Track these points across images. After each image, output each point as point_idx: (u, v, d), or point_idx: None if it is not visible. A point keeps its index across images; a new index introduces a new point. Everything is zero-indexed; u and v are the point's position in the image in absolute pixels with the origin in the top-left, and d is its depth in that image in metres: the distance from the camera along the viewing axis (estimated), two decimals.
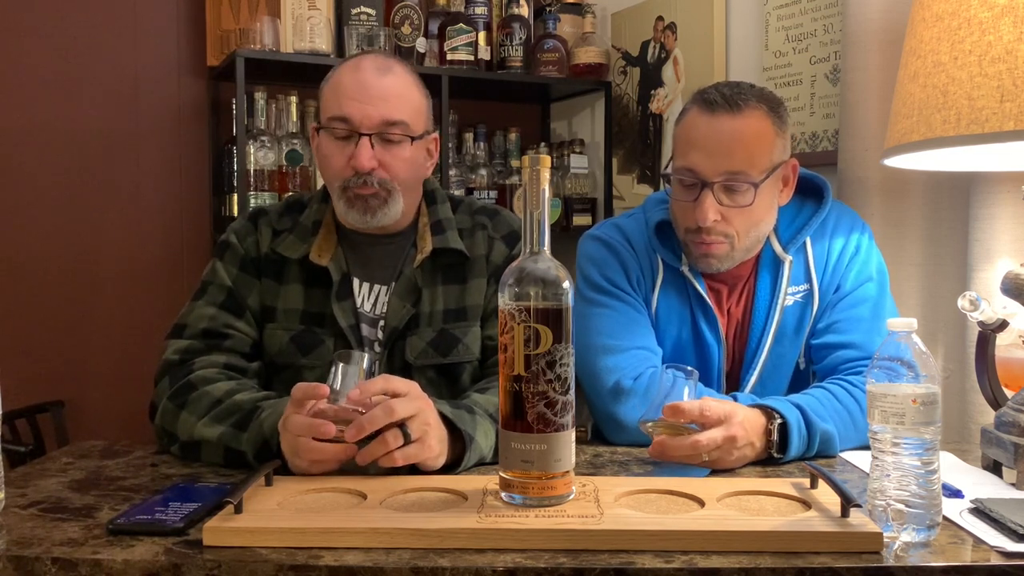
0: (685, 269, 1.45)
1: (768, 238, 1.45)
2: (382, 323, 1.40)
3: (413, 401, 1.08)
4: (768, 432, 1.22)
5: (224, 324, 1.37)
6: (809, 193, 1.50)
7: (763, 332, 1.44)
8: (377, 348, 1.39)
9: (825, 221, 1.47)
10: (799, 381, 1.47)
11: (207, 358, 1.33)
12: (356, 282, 1.41)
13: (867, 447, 0.97)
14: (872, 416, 0.92)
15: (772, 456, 1.22)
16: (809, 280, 1.44)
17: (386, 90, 1.34)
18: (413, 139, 1.36)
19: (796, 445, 1.22)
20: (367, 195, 1.34)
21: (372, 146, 1.32)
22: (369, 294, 1.41)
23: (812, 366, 1.47)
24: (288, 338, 1.38)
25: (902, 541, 0.89)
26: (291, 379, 1.36)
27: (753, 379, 1.45)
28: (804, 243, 1.45)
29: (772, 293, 1.45)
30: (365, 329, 1.40)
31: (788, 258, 1.44)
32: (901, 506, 0.89)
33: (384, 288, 1.41)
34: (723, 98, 1.35)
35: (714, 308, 1.45)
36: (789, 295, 1.44)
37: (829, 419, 1.27)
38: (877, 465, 0.92)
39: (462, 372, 1.40)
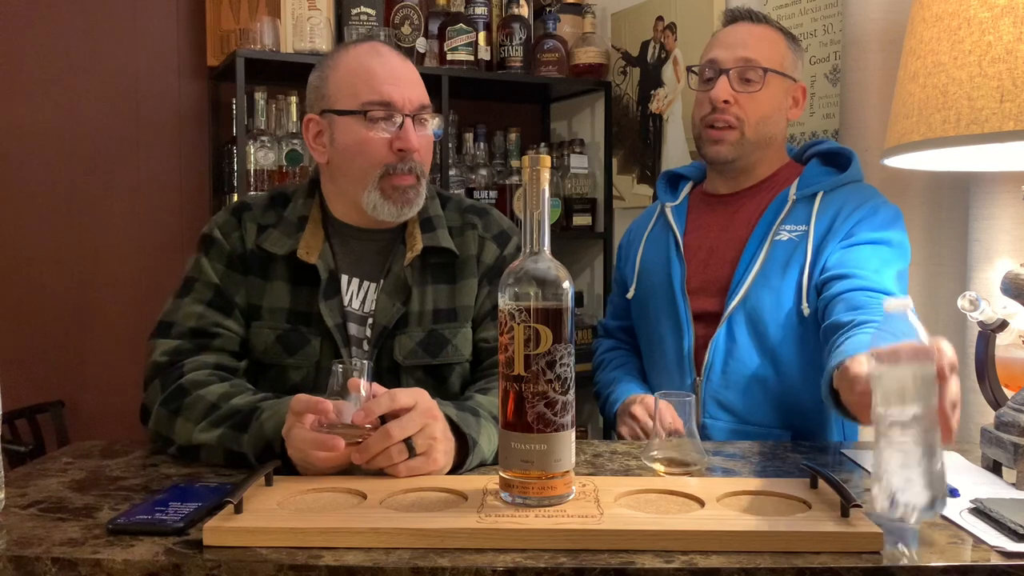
0: (669, 206, 1.66)
1: (790, 187, 1.54)
2: (370, 321, 1.38)
3: (417, 417, 1.06)
4: None
5: (213, 323, 1.33)
6: (840, 164, 1.57)
7: (751, 260, 1.50)
8: (366, 347, 1.37)
9: (849, 189, 1.51)
10: (804, 331, 1.45)
11: (197, 359, 1.30)
12: (344, 278, 1.39)
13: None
14: (873, 396, 0.89)
15: None
16: (808, 223, 1.48)
17: (413, 74, 1.37)
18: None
19: None
20: (406, 186, 1.34)
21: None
22: (358, 291, 1.39)
23: (820, 317, 1.42)
24: (274, 337, 1.35)
25: (906, 520, 0.86)
26: (276, 378, 1.35)
27: (735, 302, 1.48)
28: (815, 194, 1.51)
29: (767, 229, 1.51)
30: (353, 328, 1.37)
31: (793, 198, 1.52)
32: (904, 486, 0.86)
33: (373, 285, 1.39)
34: (746, 12, 1.60)
35: (675, 232, 1.61)
36: (784, 230, 1.49)
37: None
38: (880, 445, 0.88)
39: (451, 373, 1.39)
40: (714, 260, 1.56)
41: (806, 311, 1.44)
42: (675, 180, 1.73)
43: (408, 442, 1.05)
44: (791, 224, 1.49)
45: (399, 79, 1.34)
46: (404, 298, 1.37)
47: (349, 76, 1.35)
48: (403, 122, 1.32)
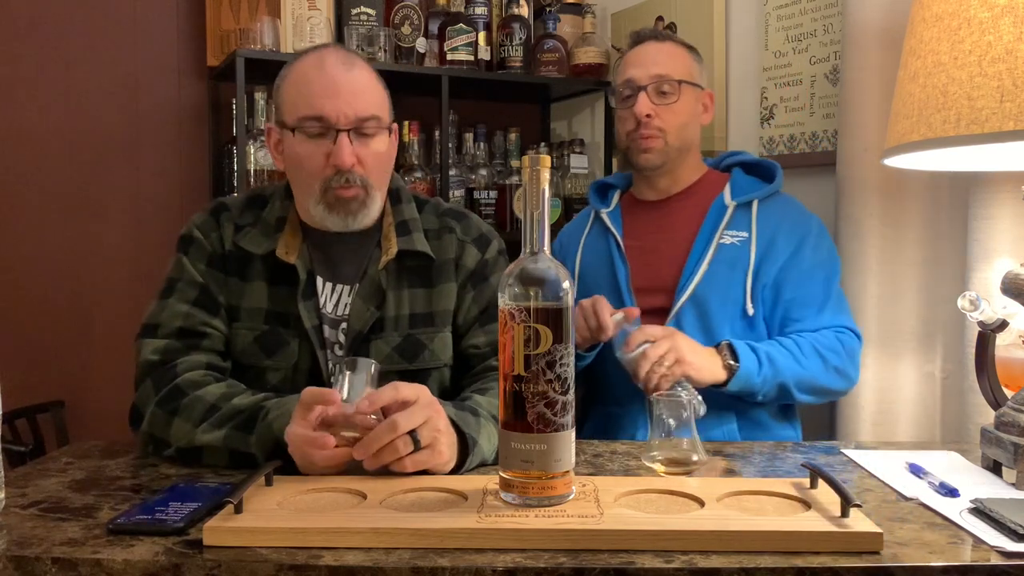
0: (604, 212, 1.76)
1: (723, 194, 1.67)
2: (344, 325, 1.36)
3: (421, 409, 1.06)
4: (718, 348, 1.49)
5: (201, 322, 1.32)
6: (760, 174, 1.72)
7: (699, 260, 1.62)
8: (339, 351, 1.35)
9: (779, 201, 1.68)
10: (747, 325, 1.62)
11: (189, 359, 1.29)
12: (319, 281, 1.37)
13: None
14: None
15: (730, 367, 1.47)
16: (749, 231, 1.63)
17: (355, 84, 1.31)
18: (389, 131, 1.35)
19: (745, 354, 1.47)
20: (349, 197, 1.30)
21: (350, 142, 1.29)
22: (332, 294, 1.37)
23: (764, 317, 1.63)
24: (252, 338, 1.34)
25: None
26: (254, 380, 1.33)
27: (684, 298, 1.60)
28: (751, 203, 1.66)
29: (712, 233, 1.64)
30: (327, 331, 1.35)
31: (733, 204, 1.65)
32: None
33: (347, 288, 1.37)
34: (651, 33, 1.74)
35: (615, 235, 1.71)
36: (727, 235, 1.63)
37: (771, 345, 1.52)
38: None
39: (427, 379, 1.37)
40: (656, 260, 1.68)
41: (751, 311, 1.60)
42: (604, 189, 1.85)
43: (413, 435, 1.05)
44: (733, 230, 1.64)
45: (336, 92, 1.28)
46: (378, 302, 1.35)
47: (292, 88, 1.33)
48: (337, 137, 1.29)
